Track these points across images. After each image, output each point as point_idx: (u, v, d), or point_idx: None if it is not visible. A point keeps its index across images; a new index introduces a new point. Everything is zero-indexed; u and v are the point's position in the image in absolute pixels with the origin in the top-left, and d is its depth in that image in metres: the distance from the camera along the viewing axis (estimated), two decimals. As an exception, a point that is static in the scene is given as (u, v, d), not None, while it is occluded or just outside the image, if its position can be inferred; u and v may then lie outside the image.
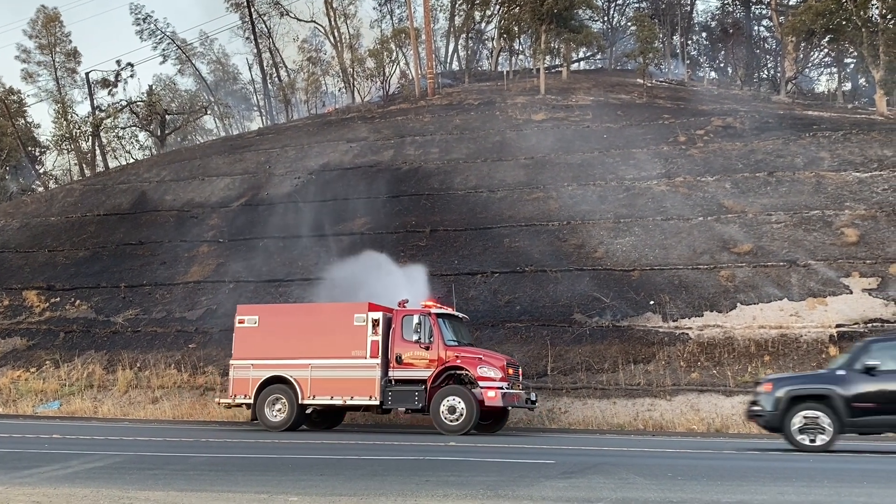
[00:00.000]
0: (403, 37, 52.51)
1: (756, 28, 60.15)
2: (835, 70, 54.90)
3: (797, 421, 15.22)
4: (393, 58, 52.90)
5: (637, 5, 61.93)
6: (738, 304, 25.60)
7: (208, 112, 60.56)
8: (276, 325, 21.41)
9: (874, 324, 24.00)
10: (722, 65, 63.28)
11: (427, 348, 20.11)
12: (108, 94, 55.12)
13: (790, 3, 51.82)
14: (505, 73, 52.18)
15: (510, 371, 19.94)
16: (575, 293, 27.17)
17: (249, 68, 66.73)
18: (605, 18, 62.13)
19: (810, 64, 56.34)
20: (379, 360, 20.23)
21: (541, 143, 36.60)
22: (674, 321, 25.58)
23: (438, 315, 20.68)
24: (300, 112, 55.78)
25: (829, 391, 15.14)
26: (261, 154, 41.28)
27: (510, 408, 20.52)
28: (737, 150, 32.90)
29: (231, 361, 21.76)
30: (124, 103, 54.16)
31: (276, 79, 60.60)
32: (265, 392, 20.79)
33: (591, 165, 33.70)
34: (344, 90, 56.81)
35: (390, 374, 20.34)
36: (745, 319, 25.08)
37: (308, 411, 21.16)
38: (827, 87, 58.31)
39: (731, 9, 60.81)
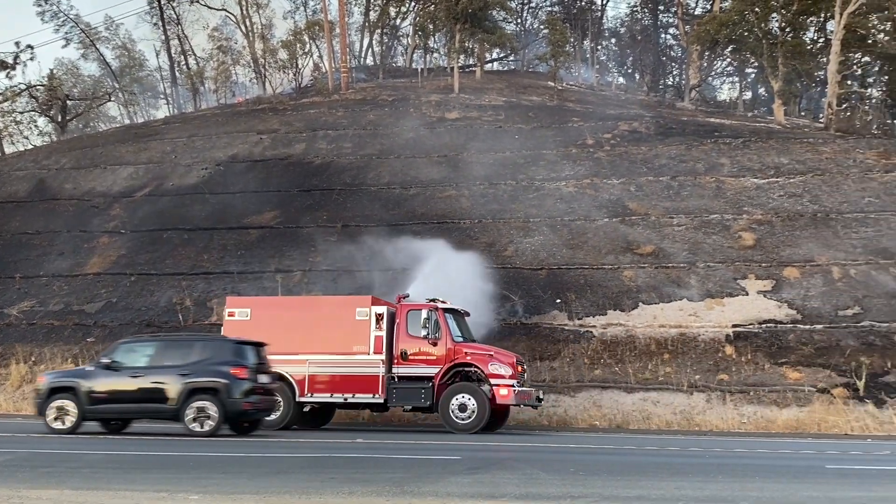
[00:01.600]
0: (317, 29, 51.93)
1: (663, 36, 61.97)
2: (736, 79, 57.03)
3: (53, 407, 17.04)
4: (306, 50, 52.32)
5: (550, 9, 62.89)
6: (640, 304, 26.31)
7: (112, 99, 58.61)
8: (269, 319, 20.20)
9: (768, 324, 25.04)
10: (630, 70, 64.99)
11: (434, 344, 19.58)
12: (6, 76, 52.54)
13: (696, 13, 53.53)
14: (419, 70, 52.19)
15: (519, 368, 19.72)
16: (484, 291, 27.38)
17: (157, 55, 64.79)
18: (519, 20, 62.88)
19: (713, 72, 58.31)
20: (383, 356, 19.52)
21: (454, 141, 36.78)
22: (579, 319, 26.12)
23: (445, 310, 20.14)
24: (209, 102, 54.59)
25: (76, 384, 17.13)
26: (167, 143, 40.20)
27: (522, 406, 20.24)
28: (642, 154, 33.79)
29: None
30: (23, 87, 51.86)
31: (185, 67, 59.14)
32: None
33: (502, 165, 34.05)
34: (255, 81, 55.90)
35: (394, 370, 19.64)
36: (646, 318, 25.79)
37: (305, 409, 20.22)
38: (729, 95, 60.59)
39: (639, 16, 62.42)
